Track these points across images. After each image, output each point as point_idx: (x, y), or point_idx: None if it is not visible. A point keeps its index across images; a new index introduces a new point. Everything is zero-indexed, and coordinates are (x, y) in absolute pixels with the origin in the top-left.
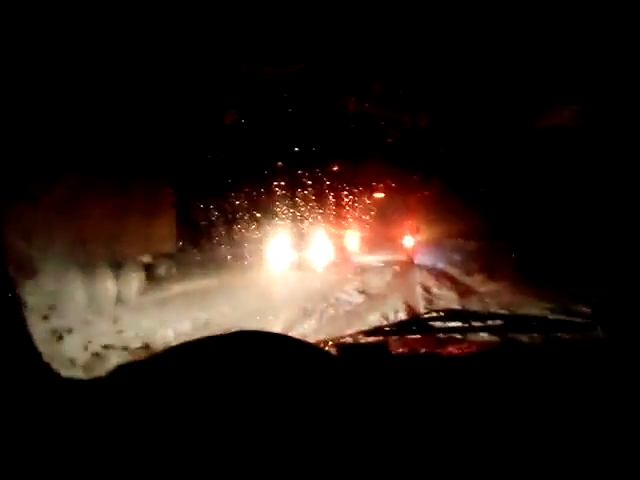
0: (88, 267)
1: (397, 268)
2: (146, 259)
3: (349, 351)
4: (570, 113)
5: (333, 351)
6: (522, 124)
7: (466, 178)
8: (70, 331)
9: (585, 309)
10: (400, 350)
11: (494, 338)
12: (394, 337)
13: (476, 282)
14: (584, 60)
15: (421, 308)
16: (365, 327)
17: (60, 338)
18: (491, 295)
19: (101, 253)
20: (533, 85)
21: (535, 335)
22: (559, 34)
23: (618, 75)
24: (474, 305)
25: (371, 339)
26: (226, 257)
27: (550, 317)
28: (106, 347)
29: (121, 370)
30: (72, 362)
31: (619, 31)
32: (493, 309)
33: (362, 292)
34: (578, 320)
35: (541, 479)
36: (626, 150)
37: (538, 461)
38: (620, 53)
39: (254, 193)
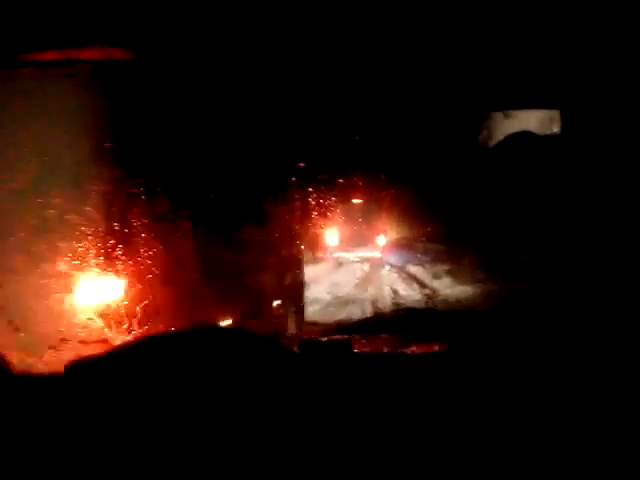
0: None
1: (367, 269)
2: None
3: (312, 348)
4: (534, 119)
5: (296, 348)
6: (484, 132)
7: (432, 182)
8: None
9: (542, 306)
10: (363, 348)
11: (456, 337)
12: (358, 335)
13: (441, 284)
14: (552, 66)
15: (388, 309)
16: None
17: None
18: (455, 295)
19: None
20: (496, 92)
21: (496, 333)
22: (527, 40)
23: (585, 82)
24: (439, 306)
25: (335, 337)
26: None
27: (510, 316)
28: None
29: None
30: None
31: (584, 39)
32: (456, 309)
33: (330, 293)
34: (536, 318)
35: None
36: (587, 154)
37: (503, 456)
38: (587, 60)
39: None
